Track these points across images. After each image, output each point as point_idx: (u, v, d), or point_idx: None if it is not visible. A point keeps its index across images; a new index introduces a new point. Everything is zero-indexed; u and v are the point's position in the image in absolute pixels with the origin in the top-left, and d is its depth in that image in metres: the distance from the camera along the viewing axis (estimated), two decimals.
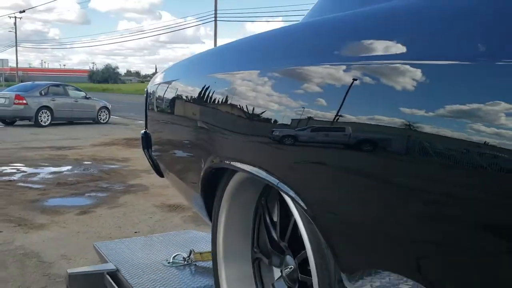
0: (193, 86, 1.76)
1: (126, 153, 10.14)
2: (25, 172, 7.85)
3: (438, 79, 0.78)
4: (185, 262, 2.46)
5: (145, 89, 2.40)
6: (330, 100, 1.00)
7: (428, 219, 0.79)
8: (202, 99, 1.60)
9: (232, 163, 1.37)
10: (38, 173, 7.75)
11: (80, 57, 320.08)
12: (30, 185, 6.87)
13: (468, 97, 0.72)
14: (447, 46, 0.79)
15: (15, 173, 7.73)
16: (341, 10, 1.28)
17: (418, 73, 0.80)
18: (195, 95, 1.69)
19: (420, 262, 0.84)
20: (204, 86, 1.60)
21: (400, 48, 0.88)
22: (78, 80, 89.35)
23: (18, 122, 16.24)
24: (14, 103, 15.44)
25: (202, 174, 1.57)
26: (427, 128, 0.76)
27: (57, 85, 17.58)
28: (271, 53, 1.37)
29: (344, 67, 0.97)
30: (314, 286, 1.15)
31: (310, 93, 1.06)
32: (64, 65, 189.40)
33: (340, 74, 0.98)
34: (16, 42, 63.27)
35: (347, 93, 0.93)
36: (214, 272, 1.67)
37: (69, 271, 2.50)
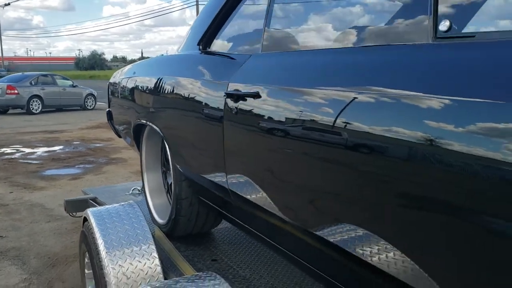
0: (128, 81, 3.19)
1: (110, 134, 11.51)
2: (24, 151, 9.26)
3: None
4: (138, 191, 3.93)
5: (108, 82, 3.82)
6: (165, 90, 2.44)
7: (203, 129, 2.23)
8: (130, 89, 3.04)
9: (142, 120, 2.82)
10: (35, 152, 9.17)
11: (66, 44, 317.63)
12: (29, 161, 8.30)
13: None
14: None
15: (15, 152, 9.14)
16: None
17: None
18: (129, 86, 3.12)
19: (204, 161, 2.28)
20: (132, 82, 3.04)
21: None
22: (65, 68, 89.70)
23: (11, 111, 17.53)
24: (7, 93, 16.71)
25: (132, 127, 3.01)
26: None
27: (46, 75, 18.84)
28: (172, 68, 2.79)
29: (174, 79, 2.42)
30: (173, 178, 2.60)
31: (160, 92, 2.50)
32: (50, 53, 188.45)
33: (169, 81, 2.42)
34: None
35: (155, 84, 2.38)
36: (142, 182, 3.14)
37: (65, 199, 3.95)
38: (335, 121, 1.25)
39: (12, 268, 3.73)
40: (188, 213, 2.61)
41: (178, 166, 2.51)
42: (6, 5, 56.46)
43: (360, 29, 1.49)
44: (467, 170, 0.92)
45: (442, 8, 1.12)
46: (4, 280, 3.52)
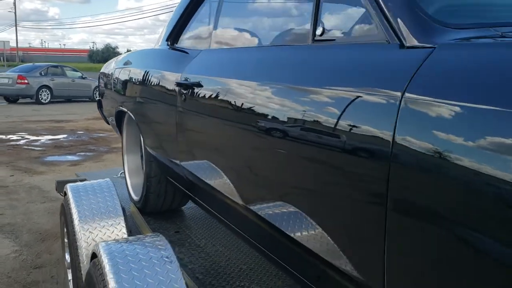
0: (111, 72, 3.51)
1: None
2: (28, 139, 9.64)
3: None
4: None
5: (98, 73, 4.15)
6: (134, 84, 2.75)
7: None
8: (113, 80, 3.36)
9: (121, 108, 3.14)
10: (39, 140, 9.54)
11: (80, 36, 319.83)
12: (32, 147, 8.67)
13: None
14: None
15: (20, 139, 9.53)
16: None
17: None
18: (112, 77, 3.44)
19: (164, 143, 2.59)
20: (114, 73, 3.36)
21: None
22: (78, 60, 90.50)
23: (20, 100, 17.98)
24: (17, 83, 17.17)
25: (114, 113, 3.34)
26: None
27: (56, 66, 19.28)
28: (144, 61, 3.09)
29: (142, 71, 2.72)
30: (144, 159, 2.91)
31: (134, 82, 2.81)
32: (64, 44, 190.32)
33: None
34: (16, 22, 64.52)
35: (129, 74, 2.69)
36: (123, 162, 3.46)
37: (57, 180, 4.28)
38: (247, 104, 1.56)
39: (5, 241, 4.07)
40: (157, 190, 2.93)
41: (147, 148, 2.82)
42: None
43: (265, 33, 1.79)
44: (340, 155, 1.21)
45: (320, 17, 1.41)
46: None
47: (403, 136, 0.94)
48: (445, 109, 0.87)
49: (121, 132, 3.47)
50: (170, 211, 3.12)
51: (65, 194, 2.94)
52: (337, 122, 1.14)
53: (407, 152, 0.93)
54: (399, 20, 1.12)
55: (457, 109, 0.86)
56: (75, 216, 2.61)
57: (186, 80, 2.08)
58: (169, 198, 2.98)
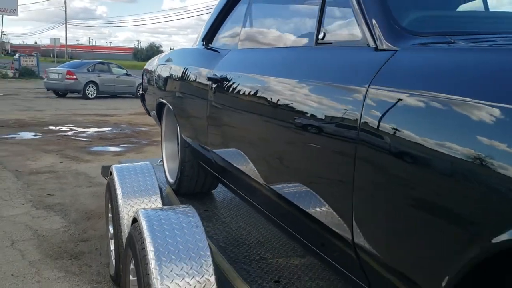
0: (154, 68, 3.89)
1: None
2: (76, 130, 10.26)
3: None
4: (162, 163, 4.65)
5: (142, 71, 4.56)
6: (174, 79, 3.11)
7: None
8: (156, 75, 3.75)
9: (161, 100, 3.52)
10: (86, 131, 10.14)
11: (126, 35, 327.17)
12: (79, 138, 9.26)
13: None
14: None
15: (68, 130, 10.15)
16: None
17: None
18: (155, 73, 3.82)
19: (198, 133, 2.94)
20: (157, 69, 3.74)
21: None
22: (123, 58, 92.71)
23: (68, 95, 18.87)
24: (66, 78, 18.05)
25: (155, 104, 3.73)
26: None
27: (102, 63, 20.13)
28: (182, 59, 3.46)
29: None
30: (180, 145, 3.27)
31: (173, 77, 3.17)
32: (110, 42, 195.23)
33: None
34: (65, 20, 66.80)
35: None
36: (161, 150, 3.84)
37: (102, 165, 4.72)
38: (270, 98, 1.88)
39: (56, 218, 4.54)
40: (190, 174, 3.29)
41: (183, 136, 3.19)
42: None
43: (280, 36, 2.12)
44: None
45: (322, 25, 1.73)
46: (49, 225, 4.32)
47: (369, 114, 1.25)
48: (397, 96, 1.18)
49: (160, 123, 3.86)
50: (202, 193, 3.47)
51: (110, 174, 3.34)
52: (328, 110, 1.46)
53: (370, 130, 1.24)
54: (376, 28, 1.42)
55: (404, 96, 1.16)
56: (118, 192, 3.00)
57: (215, 75, 2.42)
58: (200, 181, 3.34)
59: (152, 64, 4.09)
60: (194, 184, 3.35)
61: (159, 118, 3.84)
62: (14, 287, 3.15)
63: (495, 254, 0.88)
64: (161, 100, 3.55)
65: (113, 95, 19.35)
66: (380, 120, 1.20)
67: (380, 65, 1.28)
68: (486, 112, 0.93)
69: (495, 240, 0.85)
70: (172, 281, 1.92)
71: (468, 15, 1.67)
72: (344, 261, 1.50)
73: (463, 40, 1.29)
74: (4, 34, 71.22)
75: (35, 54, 32.61)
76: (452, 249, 0.97)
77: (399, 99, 1.16)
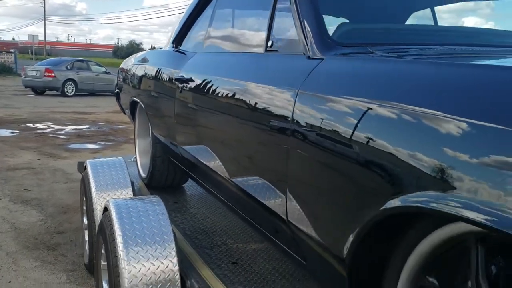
0: (128, 68, 4.08)
1: None
2: (54, 128, 10.35)
3: None
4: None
5: (118, 68, 4.75)
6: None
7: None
8: (129, 75, 3.94)
9: (134, 98, 3.72)
10: (64, 129, 10.25)
11: (106, 32, 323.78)
12: (57, 135, 9.36)
13: None
14: None
15: (46, 128, 10.24)
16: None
17: None
18: (128, 72, 4.02)
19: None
20: (130, 69, 3.94)
21: None
22: (103, 55, 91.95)
23: (47, 92, 18.83)
24: (44, 76, 18.04)
25: (129, 102, 3.92)
26: None
27: (81, 61, 20.14)
28: (154, 60, 3.66)
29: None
30: (151, 141, 3.49)
31: (144, 77, 3.37)
32: (90, 39, 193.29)
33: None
34: (44, 16, 66.06)
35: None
36: (134, 146, 4.04)
37: (78, 161, 4.88)
38: (226, 98, 2.11)
39: (33, 212, 4.70)
40: (161, 169, 3.50)
41: (154, 132, 3.39)
42: None
43: (237, 42, 2.35)
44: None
45: (271, 35, 1.96)
46: (26, 218, 4.48)
47: (299, 115, 1.48)
48: (318, 99, 1.41)
49: (134, 120, 4.05)
50: (172, 187, 3.68)
51: (85, 168, 3.53)
52: (270, 108, 1.69)
53: (298, 127, 1.47)
54: (310, 39, 1.65)
55: (326, 97, 1.39)
56: (92, 185, 3.19)
57: (182, 76, 2.64)
58: (170, 175, 3.55)
59: (128, 63, 4.28)
60: (164, 178, 3.56)
61: (133, 116, 4.04)
62: None
63: (382, 219, 1.12)
64: (134, 98, 3.75)
65: (92, 93, 19.37)
66: (305, 118, 1.44)
67: (309, 71, 1.52)
68: (385, 110, 1.16)
69: (382, 208, 1.09)
70: (138, 262, 2.13)
71: (390, 28, 1.92)
72: (285, 239, 1.74)
73: (381, 51, 1.53)
74: None
75: (12, 51, 32.29)
76: (352, 218, 1.21)
77: (321, 101, 1.40)
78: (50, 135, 9.41)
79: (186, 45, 3.18)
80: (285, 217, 1.58)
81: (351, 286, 1.27)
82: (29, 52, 52.19)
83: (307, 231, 1.46)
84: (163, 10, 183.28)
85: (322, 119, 1.36)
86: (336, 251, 1.30)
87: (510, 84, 0.99)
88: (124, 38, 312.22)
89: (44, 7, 63.71)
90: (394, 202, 1.06)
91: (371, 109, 1.19)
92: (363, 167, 1.19)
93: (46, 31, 67.12)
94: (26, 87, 18.95)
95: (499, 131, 0.88)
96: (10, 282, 3.24)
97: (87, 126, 10.88)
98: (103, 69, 20.03)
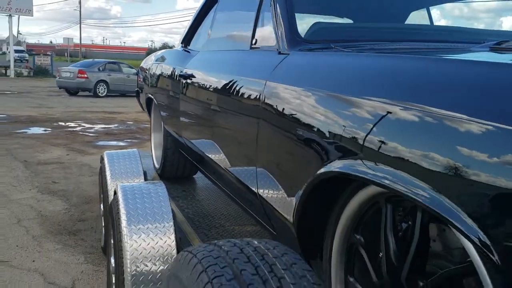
0: (145, 67, 4.37)
1: None
2: (84, 126, 10.81)
3: None
4: None
5: (138, 67, 5.04)
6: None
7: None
8: (146, 73, 4.22)
9: (149, 95, 3.99)
10: (93, 127, 10.69)
11: (140, 34, 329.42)
12: (87, 133, 9.79)
13: None
14: None
15: (77, 126, 10.70)
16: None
17: None
18: (146, 71, 4.30)
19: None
20: (147, 68, 4.22)
21: None
22: (137, 58, 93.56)
23: (80, 93, 19.50)
24: (77, 77, 18.69)
25: (145, 100, 4.20)
26: None
27: (113, 63, 20.75)
28: (166, 59, 3.93)
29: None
30: (163, 135, 3.76)
31: (157, 75, 3.64)
32: (124, 42, 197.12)
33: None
34: (80, 20, 67.84)
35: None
36: (150, 140, 4.33)
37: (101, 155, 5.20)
38: (219, 91, 2.35)
39: (58, 201, 5.04)
40: (171, 160, 3.77)
41: (165, 126, 3.66)
42: None
43: (230, 41, 2.58)
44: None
45: (255, 34, 2.19)
46: (52, 207, 4.83)
47: (265, 101, 1.70)
48: (282, 89, 1.63)
49: (150, 116, 4.34)
50: (183, 177, 3.95)
51: (103, 159, 3.82)
52: (248, 96, 1.92)
53: (266, 108, 1.70)
54: (282, 37, 1.87)
55: (289, 88, 1.61)
56: (107, 173, 3.48)
57: (185, 73, 2.89)
58: (181, 166, 3.81)
59: (147, 62, 4.58)
60: (175, 169, 3.83)
61: (149, 112, 4.32)
62: (19, 255, 3.64)
63: (318, 183, 1.33)
64: (149, 95, 4.03)
65: (123, 94, 19.92)
66: (271, 104, 1.66)
67: (276, 64, 1.74)
68: (324, 96, 1.38)
69: (317, 173, 1.31)
70: (139, 237, 2.39)
71: (352, 27, 2.12)
72: (260, 213, 1.96)
73: (340, 46, 1.74)
74: (20, 34, 72.49)
75: (49, 53, 33.41)
76: (298, 184, 1.43)
77: (281, 90, 1.62)
78: (80, 133, 9.85)
79: (192, 45, 3.43)
80: (256, 190, 1.81)
81: (301, 245, 1.49)
82: (65, 54, 53.70)
83: (270, 201, 1.68)
84: (196, 10, 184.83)
85: (284, 104, 1.59)
86: (289, 215, 1.52)
87: (428, 72, 1.17)
88: (158, 40, 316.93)
89: (80, 11, 65.40)
90: (325, 169, 1.28)
91: (317, 96, 1.41)
92: (305, 143, 1.41)
93: (82, 34, 68.86)
94: (60, 88, 19.67)
95: (399, 110, 1.08)
96: (34, 261, 3.55)
97: (116, 125, 11.31)
98: (134, 70, 20.55)
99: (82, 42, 75.56)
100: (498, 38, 1.59)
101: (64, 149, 7.94)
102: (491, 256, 0.80)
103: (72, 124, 10.98)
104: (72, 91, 19.44)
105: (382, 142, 1.09)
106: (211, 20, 3.02)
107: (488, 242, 0.81)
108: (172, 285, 1.22)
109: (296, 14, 1.97)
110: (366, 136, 1.14)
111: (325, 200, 1.39)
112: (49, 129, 10.06)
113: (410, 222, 1.16)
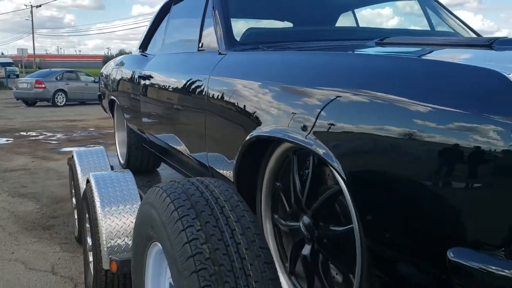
0: (106, 71, 4.74)
1: None
2: (46, 135, 10.99)
3: None
4: None
5: (98, 74, 5.41)
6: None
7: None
8: (108, 77, 4.60)
9: (112, 97, 4.38)
10: (55, 135, 10.89)
11: (95, 42, 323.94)
12: (49, 141, 10.01)
13: None
14: None
15: (39, 135, 10.88)
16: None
17: None
18: (107, 75, 4.67)
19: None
20: (108, 72, 4.60)
21: None
22: (93, 66, 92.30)
23: (38, 103, 19.46)
24: (35, 87, 18.67)
25: (108, 101, 4.59)
26: None
27: (71, 71, 20.77)
28: (126, 63, 4.32)
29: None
30: (126, 132, 4.16)
31: (118, 78, 4.04)
32: (80, 51, 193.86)
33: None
34: (32, 30, 66.50)
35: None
36: (114, 138, 4.71)
37: (68, 157, 5.54)
38: (170, 89, 2.79)
39: (29, 203, 5.35)
40: (135, 154, 4.17)
41: (128, 124, 4.06)
42: (38, 6, 59.28)
43: (179, 44, 3.03)
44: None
45: (201, 38, 2.64)
46: (24, 207, 5.14)
47: (209, 92, 2.16)
48: (221, 81, 2.09)
49: (113, 116, 4.72)
50: (147, 171, 4.35)
51: (72, 157, 4.19)
52: (195, 89, 2.37)
53: (210, 96, 2.15)
54: (221, 40, 2.33)
55: (226, 79, 2.07)
56: (78, 169, 3.86)
57: (144, 74, 3.31)
58: (145, 159, 4.21)
59: (107, 68, 4.95)
60: (139, 163, 4.23)
61: (112, 113, 4.71)
62: None
63: (251, 143, 1.78)
64: (112, 97, 4.42)
65: (82, 102, 19.98)
66: (214, 93, 2.12)
67: (217, 63, 2.20)
68: (253, 84, 1.84)
69: (251, 135, 1.76)
70: (112, 216, 2.80)
71: (279, 30, 2.61)
72: None
73: (266, 46, 2.21)
74: None
75: (10, 63, 32.87)
76: (234, 148, 1.88)
77: (221, 82, 2.08)
78: (43, 141, 10.06)
79: (149, 50, 3.85)
80: (207, 164, 2.26)
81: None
82: (19, 66, 52.68)
83: (217, 168, 2.14)
84: (151, 18, 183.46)
85: (222, 92, 2.05)
86: (230, 176, 1.98)
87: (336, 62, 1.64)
88: (114, 47, 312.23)
89: (32, 20, 64.14)
90: (255, 133, 1.74)
91: (246, 83, 1.88)
92: (239, 118, 1.87)
93: (35, 44, 67.44)
94: (17, 99, 19.59)
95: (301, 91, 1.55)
96: (13, 253, 3.89)
97: (78, 132, 11.53)
98: (92, 78, 20.65)
99: (36, 53, 74.05)
100: (385, 35, 2.09)
101: (29, 157, 8.18)
102: (348, 180, 1.28)
103: (34, 133, 11.15)
104: (30, 102, 19.40)
105: (292, 113, 1.56)
106: (164, 27, 3.45)
107: (346, 173, 1.28)
108: (146, 210, 1.66)
109: (238, 20, 2.44)
110: (278, 109, 1.62)
111: (254, 158, 1.85)
112: (11, 139, 10.22)
113: (307, 169, 1.64)
